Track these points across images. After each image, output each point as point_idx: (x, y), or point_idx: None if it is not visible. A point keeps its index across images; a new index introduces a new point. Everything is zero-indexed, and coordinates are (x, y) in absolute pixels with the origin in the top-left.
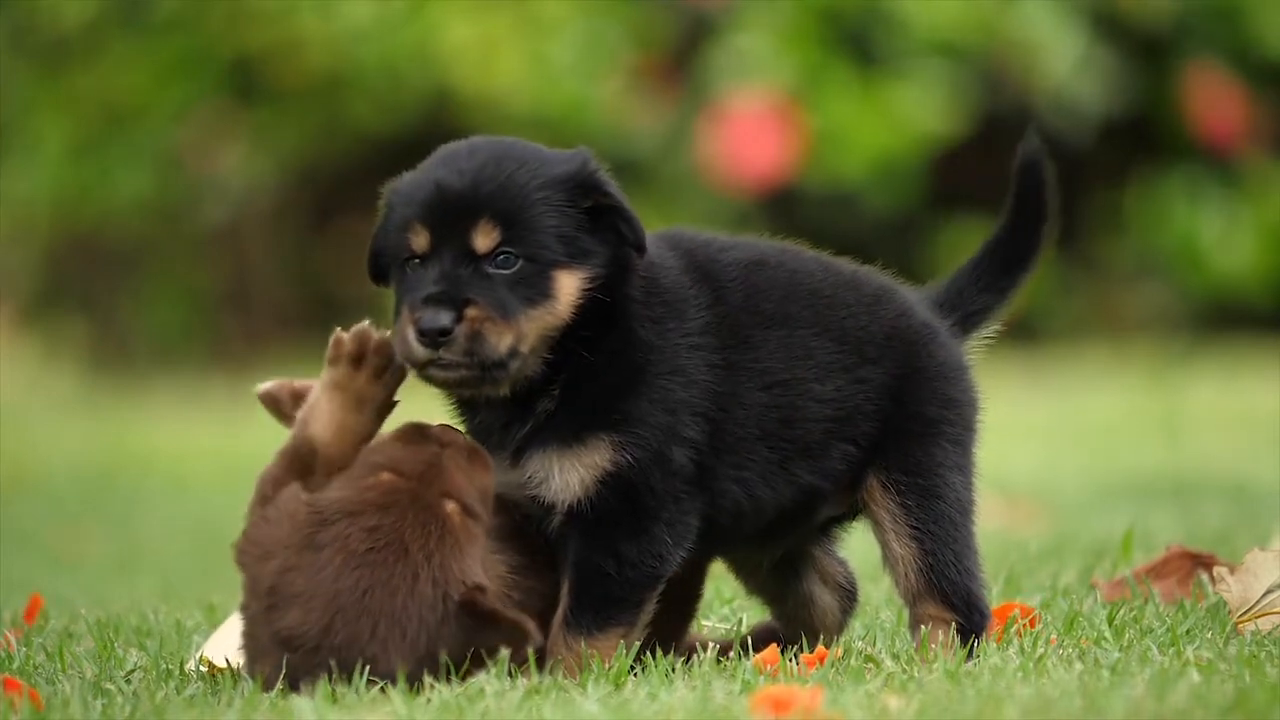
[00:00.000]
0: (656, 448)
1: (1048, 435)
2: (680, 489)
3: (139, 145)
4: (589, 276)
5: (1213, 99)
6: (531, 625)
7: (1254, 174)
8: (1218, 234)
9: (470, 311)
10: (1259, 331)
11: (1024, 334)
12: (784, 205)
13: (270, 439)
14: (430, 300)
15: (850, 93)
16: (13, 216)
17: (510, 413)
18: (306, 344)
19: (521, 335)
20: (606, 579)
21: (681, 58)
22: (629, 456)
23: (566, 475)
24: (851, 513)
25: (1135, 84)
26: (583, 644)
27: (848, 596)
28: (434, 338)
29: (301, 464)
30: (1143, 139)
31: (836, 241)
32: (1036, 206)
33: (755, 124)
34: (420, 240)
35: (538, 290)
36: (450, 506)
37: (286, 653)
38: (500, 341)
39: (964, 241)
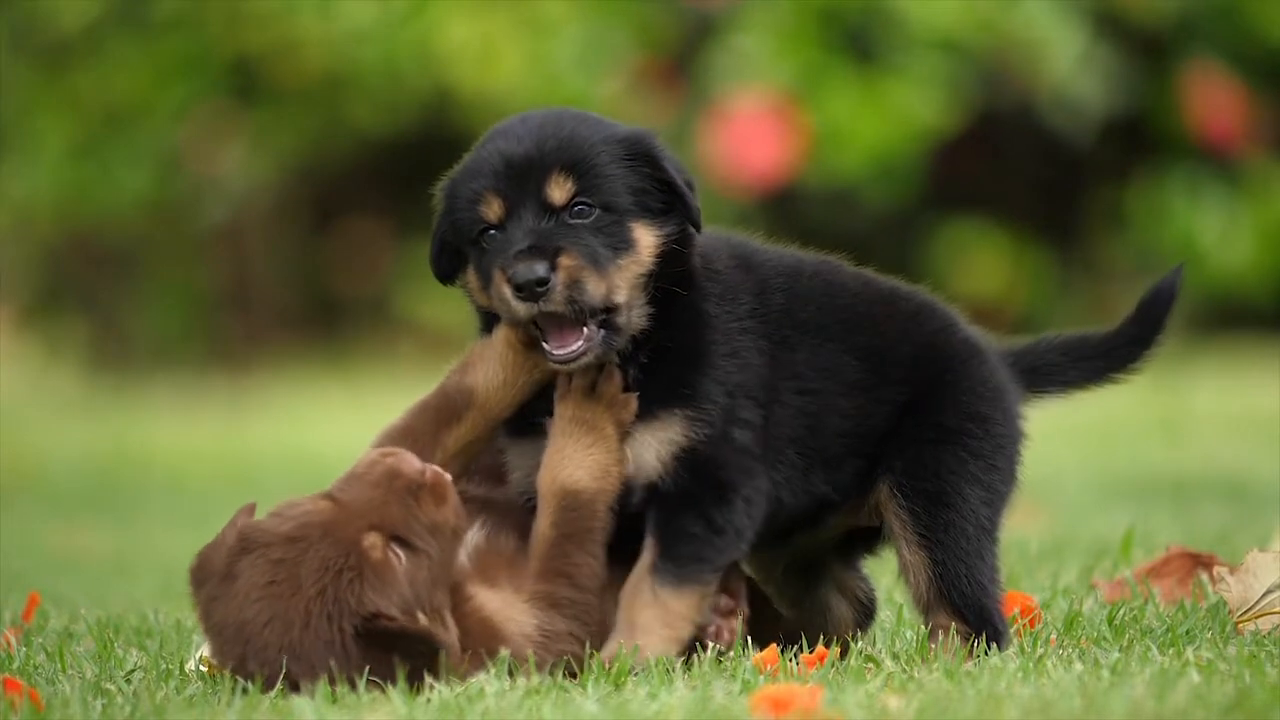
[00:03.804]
0: (721, 427)
1: (1048, 435)
2: (749, 464)
3: (139, 145)
4: (663, 233)
5: (1213, 98)
6: (439, 630)
7: (1254, 173)
8: (1217, 233)
9: (564, 260)
10: (1259, 331)
11: (1023, 332)
12: (784, 205)
13: (270, 439)
14: (521, 254)
15: (849, 90)
16: (13, 216)
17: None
18: (306, 344)
19: (614, 286)
20: (694, 539)
21: (682, 58)
22: (699, 433)
23: (640, 450)
24: (878, 525)
25: (1135, 82)
26: (669, 596)
27: (864, 611)
28: (531, 289)
29: (449, 410)
30: (1143, 137)
31: (836, 239)
32: (1150, 332)
33: (755, 124)
34: (494, 208)
35: (619, 239)
36: (371, 539)
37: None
38: (596, 290)
39: (963, 238)
